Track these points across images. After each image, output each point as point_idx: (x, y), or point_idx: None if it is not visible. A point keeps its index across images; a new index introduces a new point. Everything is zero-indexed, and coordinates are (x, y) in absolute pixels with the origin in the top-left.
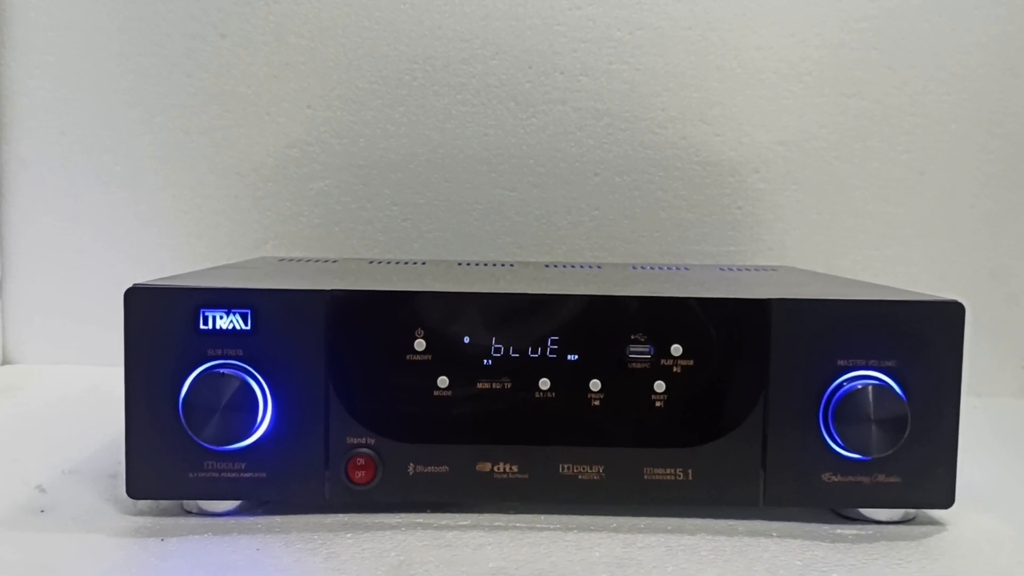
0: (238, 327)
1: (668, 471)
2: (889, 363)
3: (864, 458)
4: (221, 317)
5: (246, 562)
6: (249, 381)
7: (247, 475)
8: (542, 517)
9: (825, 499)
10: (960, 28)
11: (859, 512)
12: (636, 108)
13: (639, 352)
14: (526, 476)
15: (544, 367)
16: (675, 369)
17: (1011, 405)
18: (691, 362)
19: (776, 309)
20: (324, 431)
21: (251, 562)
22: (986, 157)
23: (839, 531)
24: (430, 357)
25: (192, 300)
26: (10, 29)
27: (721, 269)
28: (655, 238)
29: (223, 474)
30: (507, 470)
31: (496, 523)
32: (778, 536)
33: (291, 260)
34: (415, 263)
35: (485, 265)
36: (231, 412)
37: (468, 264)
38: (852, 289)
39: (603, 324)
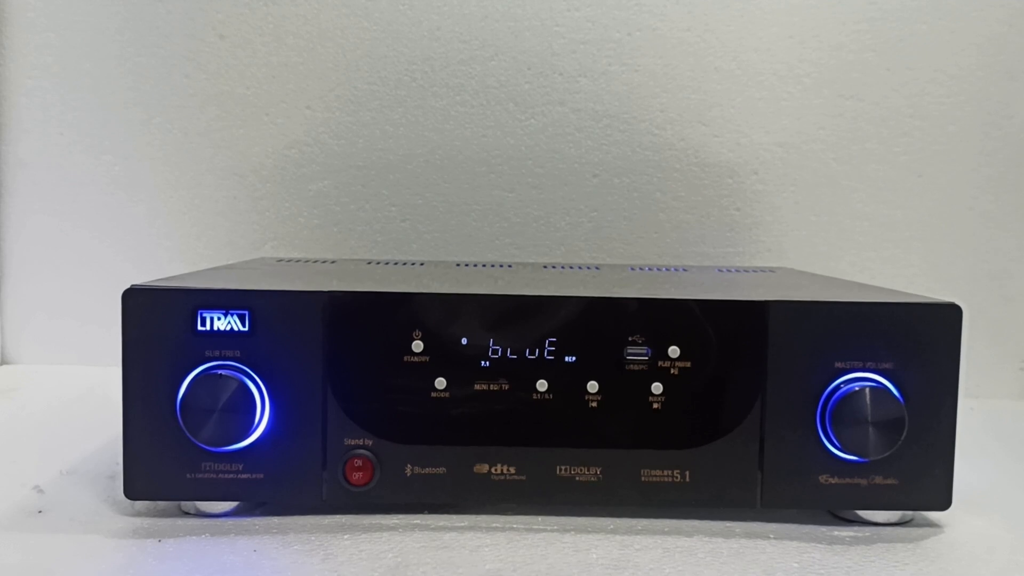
0: (236, 328)
1: (665, 473)
2: (886, 365)
3: (861, 460)
4: (219, 318)
5: (243, 563)
6: (247, 382)
7: (245, 476)
8: (539, 518)
9: (822, 501)
10: (958, 30)
11: (856, 514)
12: (635, 109)
13: (637, 354)
14: (524, 478)
15: (542, 368)
16: (673, 371)
17: (1008, 407)
18: (689, 364)
19: (774, 311)
20: (322, 432)
21: (248, 563)
22: (984, 159)
23: (836, 533)
24: (428, 358)
25: (190, 301)
26: (9, 30)
27: (719, 270)
28: (653, 239)
29: (221, 475)
30: (505, 471)
31: (494, 524)
32: (775, 538)
33: (289, 261)
34: (413, 264)
35: (483, 266)
36: (229, 413)
37: (466, 265)
38: (850, 291)
39: (601, 325)
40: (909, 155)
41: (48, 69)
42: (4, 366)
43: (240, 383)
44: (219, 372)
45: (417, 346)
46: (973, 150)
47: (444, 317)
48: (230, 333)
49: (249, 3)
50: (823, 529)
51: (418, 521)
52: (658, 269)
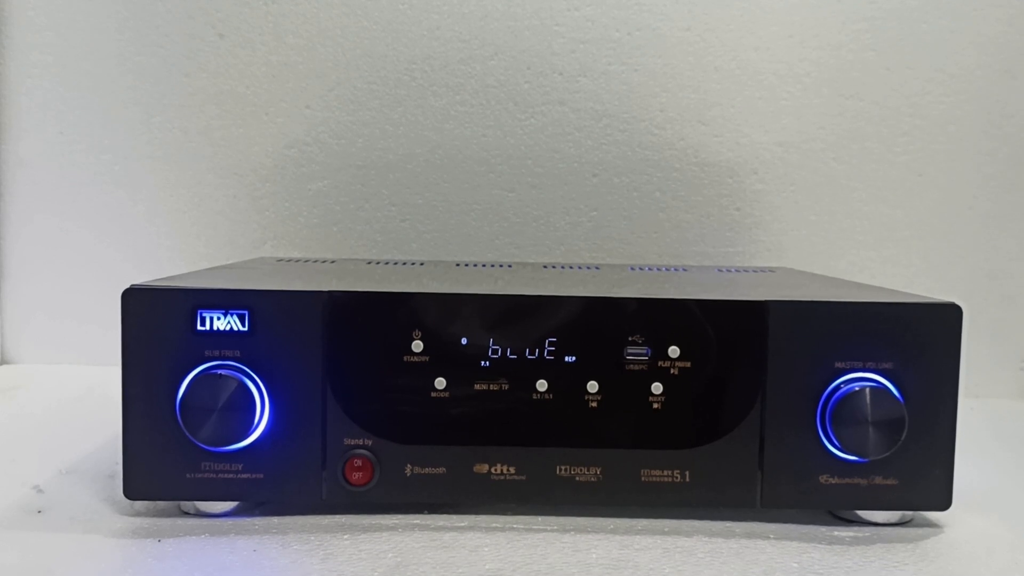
0: (235, 328)
1: (665, 473)
2: (886, 365)
3: (861, 460)
4: (219, 318)
5: (243, 563)
6: (246, 382)
7: (244, 476)
8: (539, 518)
9: (822, 501)
10: (958, 29)
11: (856, 514)
12: (634, 109)
13: (637, 354)
14: (523, 477)
15: (542, 368)
16: (672, 371)
17: (1008, 407)
18: (688, 364)
19: (774, 311)
20: (321, 432)
21: (248, 563)
22: (984, 158)
23: (836, 533)
24: (428, 358)
25: (189, 301)
26: (8, 29)
27: (719, 270)
28: (653, 239)
29: (220, 475)
30: (504, 471)
31: (493, 524)
32: (775, 538)
33: (289, 260)
34: (413, 264)
35: (483, 266)
36: (228, 413)
37: (466, 265)
38: (849, 291)
39: (601, 325)
40: (909, 154)
41: (48, 69)
42: (4, 366)
43: (240, 383)
44: (219, 372)
45: (417, 346)
46: (973, 149)
47: (444, 317)
48: (230, 333)
49: (249, 2)
50: (823, 529)
51: (418, 521)
52: (658, 269)
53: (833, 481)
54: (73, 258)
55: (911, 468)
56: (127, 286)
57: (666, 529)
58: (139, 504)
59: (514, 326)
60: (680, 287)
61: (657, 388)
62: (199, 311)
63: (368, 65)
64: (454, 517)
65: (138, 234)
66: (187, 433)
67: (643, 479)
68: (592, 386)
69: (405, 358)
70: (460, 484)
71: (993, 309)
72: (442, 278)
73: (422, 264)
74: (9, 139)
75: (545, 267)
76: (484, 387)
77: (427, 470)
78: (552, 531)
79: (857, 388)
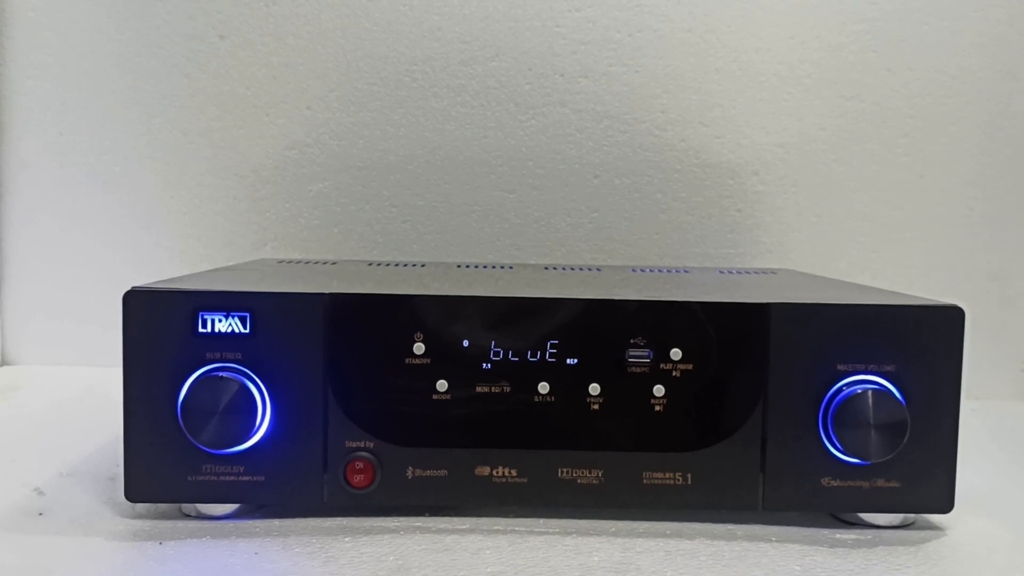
0: (237, 330)
1: (667, 475)
2: (888, 367)
3: (863, 462)
4: (220, 320)
5: (244, 566)
6: (248, 384)
7: (245, 478)
8: (541, 521)
9: (824, 504)
10: (959, 30)
11: (858, 517)
12: (635, 110)
13: (638, 356)
14: (525, 480)
15: (543, 371)
16: (674, 373)
17: (1010, 408)
18: (690, 366)
19: (775, 313)
20: (323, 434)
21: (249, 566)
22: (985, 160)
23: (838, 536)
24: (429, 360)
25: (191, 303)
26: (9, 30)
27: (720, 272)
28: (654, 240)
29: (221, 477)
30: (506, 474)
31: (495, 527)
32: (777, 541)
33: (290, 262)
34: (414, 265)
35: (484, 267)
36: (230, 415)
37: (467, 266)
38: (851, 293)
39: (602, 327)
40: (910, 155)
41: (48, 69)
42: (4, 367)
43: (241, 385)
44: (220, 374)
45: (418, 348)
46: (974, 150)
47: (445, 319)
48: (231, 335)
49: (249, 3)
50: (825, 532)
51: (419, 523)
52: (659, 270)
53: (835, 484)
54: (73, 259)
55: (913, 471)
56: (127, 288)
57: (668, 532)
58: (140, 506)
59: (515, 328)
60: (682, 289)
61: (659, 390)
62: (200, 313)
63: (369, 66)
64: (456, 519)
65: (138, 235)
66: (188, 435)
67: (645, 482)
68: (594, 388)
69: (406, 360)
70: (462, 486)
71: (994, 310)
72: (443, 280)
73: (423, 265)
74: (9, 140)
75: (546, 268)
76: (485, 389)
77: (428, 472)
78: (554, 534)
79: (859, 390)
